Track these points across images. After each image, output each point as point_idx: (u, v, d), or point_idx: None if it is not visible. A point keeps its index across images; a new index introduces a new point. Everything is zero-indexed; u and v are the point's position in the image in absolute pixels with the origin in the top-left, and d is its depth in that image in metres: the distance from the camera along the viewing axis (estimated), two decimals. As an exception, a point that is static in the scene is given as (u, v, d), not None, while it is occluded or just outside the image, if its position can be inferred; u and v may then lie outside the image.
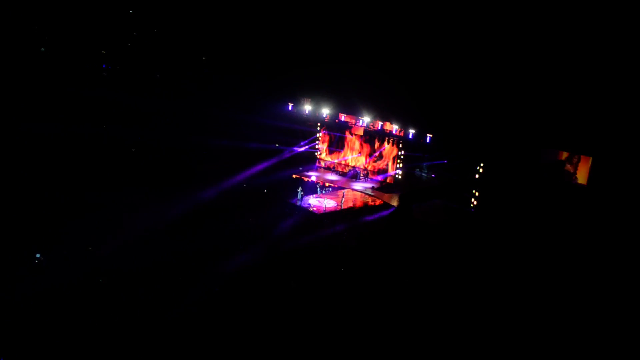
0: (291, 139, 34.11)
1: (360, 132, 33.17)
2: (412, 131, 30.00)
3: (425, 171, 31.38)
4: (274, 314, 14.95)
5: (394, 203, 28.18)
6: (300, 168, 34.15)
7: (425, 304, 16.72)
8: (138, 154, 27.15)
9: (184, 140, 28.27)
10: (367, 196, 30.02)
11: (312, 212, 26.57)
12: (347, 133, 34.23)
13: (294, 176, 32.46)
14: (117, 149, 26.35)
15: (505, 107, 24.76)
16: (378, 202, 28.93)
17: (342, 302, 16.12)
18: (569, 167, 24.45)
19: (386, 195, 30.33)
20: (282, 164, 32.50)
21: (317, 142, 35.51)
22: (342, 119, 33.04)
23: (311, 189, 30.61)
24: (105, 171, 24.09)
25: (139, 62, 29.37)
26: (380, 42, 28.52)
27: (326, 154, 35.64)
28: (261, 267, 18.02)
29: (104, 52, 28.55)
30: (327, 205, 27.61)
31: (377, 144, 33.23)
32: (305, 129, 34.96)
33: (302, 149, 34.78)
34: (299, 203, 27.48)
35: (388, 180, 32.48)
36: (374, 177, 33.05)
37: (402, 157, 32.04)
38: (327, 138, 35.34)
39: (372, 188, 31.77)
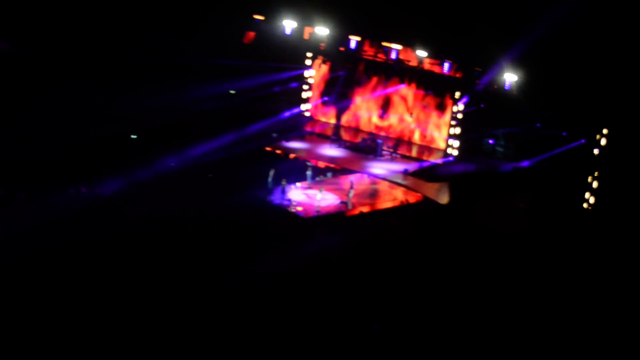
0: (260, 83, 30.48)
1: (385, 70, 29.95)
2: (478, 69, 27.18)
3: (502, 143, 27.95)
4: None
5: (442, 199, 25.09)
6: (275, 134, 29.63)
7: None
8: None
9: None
10: (394, 186, 26.27)
11: (295, 215, 23.04)
12: (362, 71, 30.71)
13: (265, 149, 28.80)
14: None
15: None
16: (414, 197, 25.39)
17: None
18: None
19: (428, 185, 26.32)
20: (242, 125, 28.52)
21: (306, 87, 31.77)
22: (354, 47, 28.91)
23: (295, 172, 26.27)
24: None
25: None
26: None
27: (322, 110, 32.38)
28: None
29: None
30: (323, 203, 23.91)
31: (410, 88, 29.43)
32: (286, 64, 31.22)
33: (280, 99, 31.54)
34: (271, 197, 24.01)
35: (431, 159, 29.59)
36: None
37: (458, 117, 28.27)
38: (325, 80, 31.54)
39: (405, 173, 27.27)
